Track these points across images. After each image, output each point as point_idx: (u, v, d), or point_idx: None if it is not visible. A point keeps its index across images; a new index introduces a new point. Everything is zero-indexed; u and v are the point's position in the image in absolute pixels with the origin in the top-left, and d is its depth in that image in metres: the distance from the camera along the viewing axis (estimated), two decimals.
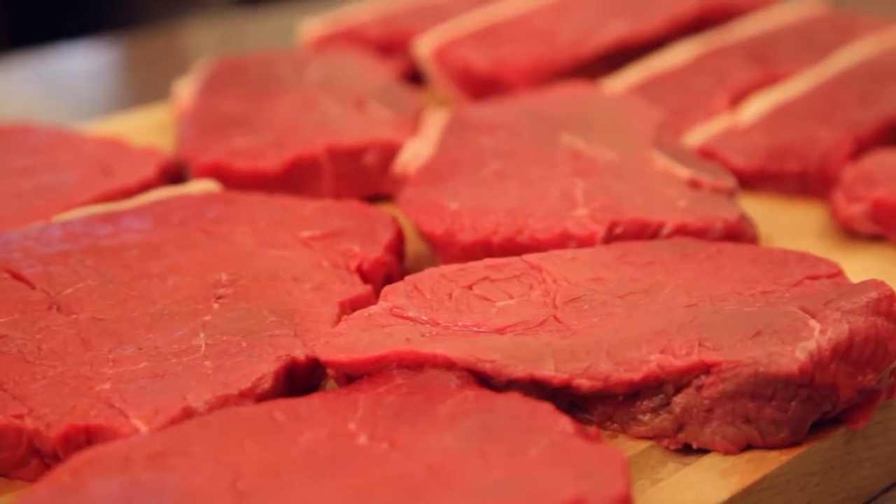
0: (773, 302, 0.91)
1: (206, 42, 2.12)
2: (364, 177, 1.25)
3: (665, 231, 1.05)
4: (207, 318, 0.93)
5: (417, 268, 1.12)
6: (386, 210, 1.23)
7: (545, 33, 1.50)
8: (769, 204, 1.23)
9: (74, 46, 2.06)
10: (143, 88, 1.93)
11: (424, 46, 1.49)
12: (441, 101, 1.52)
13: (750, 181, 1.25)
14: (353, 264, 1.02)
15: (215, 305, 0.95)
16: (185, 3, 2.70)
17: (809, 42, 1.50)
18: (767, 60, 1.46)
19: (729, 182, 1.11)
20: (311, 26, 1.62)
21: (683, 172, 1.13)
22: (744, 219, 1.07)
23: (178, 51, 2.12)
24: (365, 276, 1.02)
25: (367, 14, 1.63)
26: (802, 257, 0.98)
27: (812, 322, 0.86)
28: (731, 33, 1.53)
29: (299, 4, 2.15)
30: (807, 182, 1.23)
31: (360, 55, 1.50)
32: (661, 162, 1.15)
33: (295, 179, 1.22)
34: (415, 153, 1.20)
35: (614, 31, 1.50)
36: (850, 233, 1.15)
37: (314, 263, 1.01)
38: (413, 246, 1.12)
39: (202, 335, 0.90)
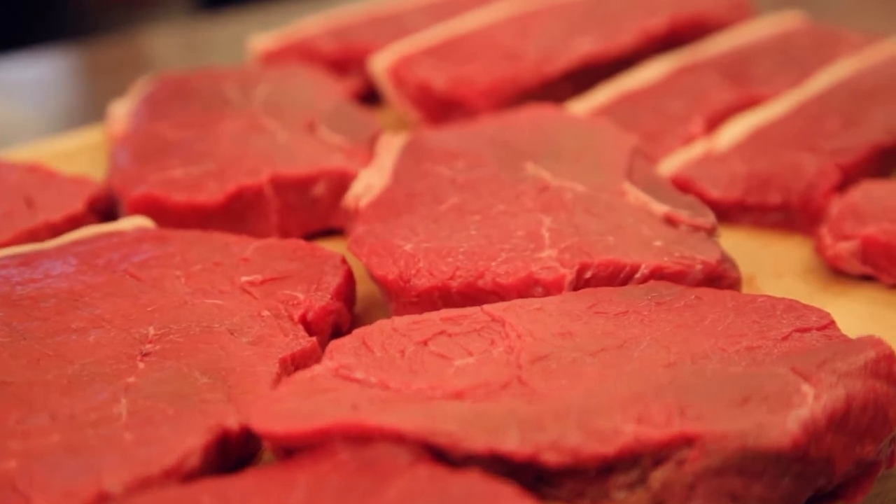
0: (761, 360, 0.82)
1: (167, 50, 2.01)
2: (313, 209, 1.15)
3: (639, 274, 0.96)
4: (131, 379, 0.83)
5: (369, 312, 1.03)
6: (335, 250, 1.14)
7: (509, 51, 1.40)
8: (749, 238, 1.14)
9: (27, 55, 1.95)
10: (101, 99, 1.83)
11: (380, 64, 1.40)
12: (399, 121, 1.43)
13: (728, 213, 1.17)
14: (297, 313, 0.93)
15: (140, 365, 0.85)
16: (145, 10, 2.59)
17: (789, 59, 1.42)
18: (745, 80, 1.37)
19: (708, 219, 1.02)
20: (261, 40, 1.52)
21: (659, 208, 1.04)
22: (725, 260, 0.98)
23: (137, 59, 2.02)
24: (310, 327, 0.93)
25: (320, 28, 1.53)
26: (790, 306, 0.89)
27: (805, 386, 0.77)
28: (705, 50, 1.45)
29: (262, 11, 2.05)
30: (790, 215, 1.15)
31: (313, 72, 1.41)
32: (635, 195, 1.06)
33: (237, 213, 1.12)
34: (367, 184, 1.11)
35: (581, 48, 1.41)
36: (837, 271, 1.07)
37: (253, 313, 0.92)
38: (365, 286, 1.03)
39: (124, 401, 0.81)
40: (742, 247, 1.12)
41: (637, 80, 1.38)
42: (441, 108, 1.39)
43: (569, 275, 0.95)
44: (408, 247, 0.99)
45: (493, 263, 0.96)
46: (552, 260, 0.96)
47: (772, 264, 1.09)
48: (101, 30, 2.28)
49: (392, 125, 1.43)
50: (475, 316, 0.88)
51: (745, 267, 1.07)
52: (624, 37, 1.43)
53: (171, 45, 2.03)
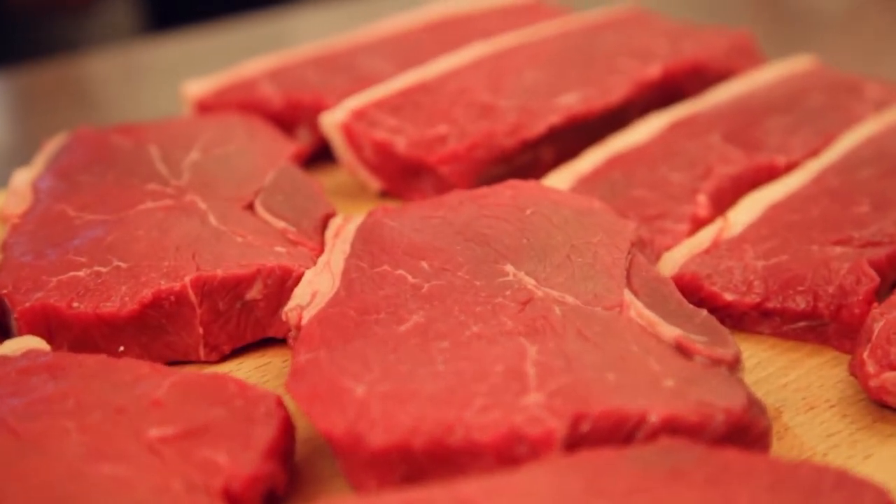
0: None
1: (107, 75, 1.80)
2: (248, 316, 0.95)
3: (648, 425, 0.77)
4: None
5: (313, 462, 0.84)
6: (274, 363, 0.95)
7: (482, 107, 1.21)
8: (771, 353, 0.96)
9: None
10: (39, 125, 1.63)
11: (332, 122, 1.20)
12: (357, 186, 1.24)
13: (745, 319, 0.98)
14: (217, 483, 0.73)
15: None
16: (85, 33, 2.35)
17: (804, 118, 1.23)
18: (754, 144, 1.19)
19: (729, 350, 0.83)
20: (196, 87, 1.32)
21: (668, 332, 0.85)
22: (751, 406, 0.79)
23: (76, 84, 1.81)
24: (234, 500, 0.73)
25: (264, 72, 1.33)
26: (840, 481, 0.71)
27: None
28: (706, 104, 1.26)
29: (208, 31, 1.84)
30: (819, 324, 0.96)
31: (254, 128, 1.21)
32: (638, 311, 0.87)
33: (154, 325, 0.93)
34: (313, 291, 0.91)
35: (566, 106, 1.21)
36: (882, 404, 0.88)
37: (161, 485, 0.72)
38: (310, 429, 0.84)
39: None
40: (764, 366, 0.93)
41: (630, 142, 1.20)
42: (404, 175, 1.20)
43: (560, 428, 0.76)
44: (359, 390, 0.79)
45: (466, 413, 0.77)
46: (539, 408, 0.77)
47: (801, 392, 0.91)
48: (40, 53, 2.05)
49: (349, 189, 1.24)
50: (441, 501, 0.69)
51: (769, 396, 0.90)
52: (614, 91, 1.24)
53: (109, 71, 1.82)
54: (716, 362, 0.83)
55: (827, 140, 1.20)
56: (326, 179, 1.25)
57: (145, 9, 2.36)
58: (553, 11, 1.52)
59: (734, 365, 0.83)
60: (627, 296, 0.89)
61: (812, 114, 1.24)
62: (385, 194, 1.23)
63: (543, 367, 0.81)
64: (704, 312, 0.88)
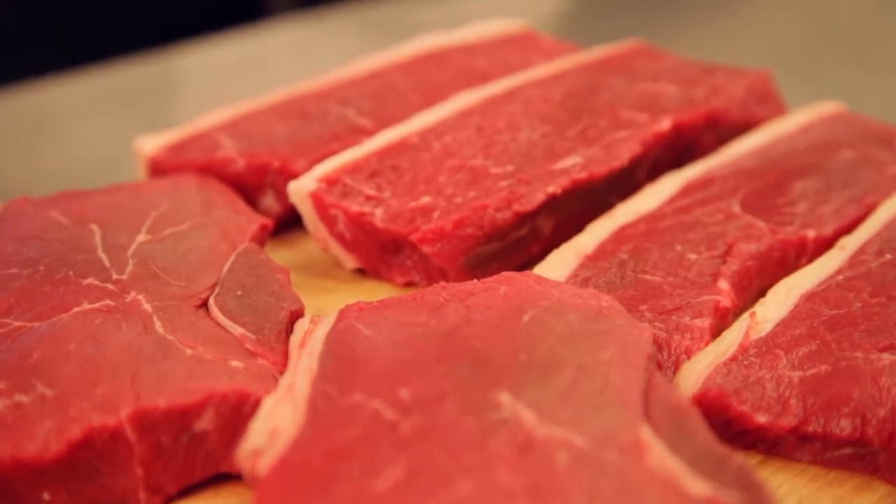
0: None
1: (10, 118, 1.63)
2: (196, 451, 0.81)
3: None
4: None
5: None
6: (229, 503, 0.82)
7: (472, 173, 1.06)
8: (812, 487, 0.82)
9: None
10: None
11: (301, 191, 1.06)
12: (328, 261, 1.09)
13: (781, 444, 0.84)
14: None
15: None
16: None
17: (833, 180, 1.09)
18: (779, 213, 1.05)
19: None
20: (148, 145, 1.17)
21: (698, 489, 0.71)
22: None
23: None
24: None
25: (224, 127, 1.18)
26: None
27: None
28: (723, 162, 1.12)
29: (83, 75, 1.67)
30: (867, 453, 0.82)
31: (212, 199, 1.07)
32: (660, 458, 0.73)
33: (85, 467, 0.78)
34: (271, 428, 0.77)
35: (566, 171, 1.07)
36: None
37: None
38: None
39: None
40: (799, 500, 0.80)
41: (638, 211, 1.06)
42: (382, 252, 1.05)
43: None
44: None
45: None
46: None
47: None
48: None
49: (320, 265, 1.10)
50: None
51: None
52: (620, 153, 1.09)
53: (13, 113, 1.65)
54: None
55: (861, 209, 1.06)
56: (295, 253, 1.11)
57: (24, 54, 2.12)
58: (548, 45, 1.37)
59: None
60: (645, 433, 0.75)
61: (842, 174, 1.10)
62: (361, 271, 1.08)
63: None
64: (739, 459, 0.74)
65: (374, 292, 1.06)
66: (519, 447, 0.74)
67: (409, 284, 1.06)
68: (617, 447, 0.74)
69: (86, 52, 1.80)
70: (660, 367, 0.89)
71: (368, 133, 1.15)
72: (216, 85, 1.69)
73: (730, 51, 1.69)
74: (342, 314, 0.88)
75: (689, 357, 0.90)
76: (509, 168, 1.06)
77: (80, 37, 2.00)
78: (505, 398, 0.78)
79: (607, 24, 1.84)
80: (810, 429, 0.83)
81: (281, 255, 1.10)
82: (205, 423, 0.81)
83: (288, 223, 1.14)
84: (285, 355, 0.87)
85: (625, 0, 1.95)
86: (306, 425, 0.77)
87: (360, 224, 1.04)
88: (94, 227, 1.00)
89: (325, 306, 1.03)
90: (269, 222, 1.05)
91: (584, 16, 1.93)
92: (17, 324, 0.87)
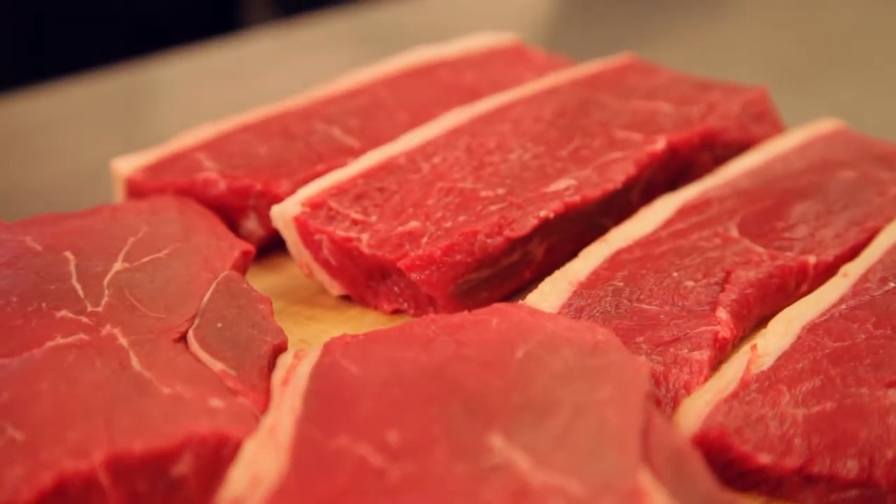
0: None
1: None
2: (175, 497, 0.77)
3: None
4: None
5: None
6: None
7: (461, 197, 1.03)
8: None
9: None
10: None
11: (284, 215, 1.02)
12: (313, 287, 1.06)
13: (784, 485, 0.81)
14: None
15: None
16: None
17: (833, 203, 1.06)
18: (779, 238, 1.01)
19: None
20: (125, 165, 1.13)
21: None
22: None
23: None
24: None
25: (204, 147, 1.14)
26: None
27: None
28: (719, 184, 1.08)
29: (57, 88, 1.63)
30: (875, 495, 0.79)
31: (192, 224, 1.03)
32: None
33: None
34: (252, 475, 0.73)
35: (559, 195, 1.03)
36: None
37: None
38: None
39: None
40: None
41: (633, 235, 1.02)
42: (368, 279, 1.02)
43: None
44: None
45: None
46: None
47: None
48: None
49: (304, 291, 1.06)
50: None
51: None
52: (614, 176, 1.06)
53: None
54: None
55: (863, 233, 1.03)
56: (278, 278, 1.08)
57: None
58: (538, 59, 1.34)
59: None
60: (645, 479, 0.72)
61: (842, 196, 1.07)
62: (347, 297, 1.05)
63: None
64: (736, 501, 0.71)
65: (360, 320, 1.02)
66: (513, 495, 0.70)
67: (396, 312, 1.03)
68: (616, 495, 0.71)
69: (61, 64, 1.76)
70: (658, 403, 0.86)
71: (355, 152, 1.11)
72: (194, 95, 1.65)
73: (723, 61, 1.66)
74: (327, 348, 0.85)
75: (688, 392, 0.86)
76: (500, 191, 1.03)
77: (55, 48, 1.96)
78: (498, 441, 0.74)
79: (598, 34, 1.80)
80: (815, 470, 0.80)
81: (264, 280, 1.06)
82: (182, 467, 0.77)
83: (271, 247, 1.10)
84: (267, 393, 0.83)
85: (615, 10, 1.91)
86: (289, 472, 0.73)
87: (345, 250, 1.00)
88: (69, 255, 0.96)
89: (309, 336, 1.00)
90: (251, 248, 1.02)
91: (574, 25, 1.90)
92: None
